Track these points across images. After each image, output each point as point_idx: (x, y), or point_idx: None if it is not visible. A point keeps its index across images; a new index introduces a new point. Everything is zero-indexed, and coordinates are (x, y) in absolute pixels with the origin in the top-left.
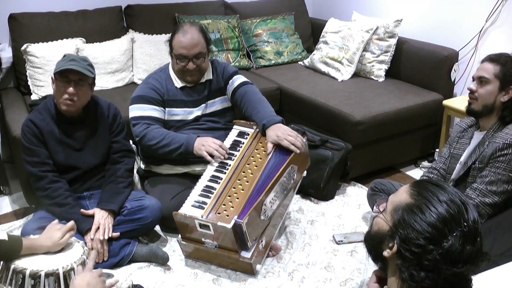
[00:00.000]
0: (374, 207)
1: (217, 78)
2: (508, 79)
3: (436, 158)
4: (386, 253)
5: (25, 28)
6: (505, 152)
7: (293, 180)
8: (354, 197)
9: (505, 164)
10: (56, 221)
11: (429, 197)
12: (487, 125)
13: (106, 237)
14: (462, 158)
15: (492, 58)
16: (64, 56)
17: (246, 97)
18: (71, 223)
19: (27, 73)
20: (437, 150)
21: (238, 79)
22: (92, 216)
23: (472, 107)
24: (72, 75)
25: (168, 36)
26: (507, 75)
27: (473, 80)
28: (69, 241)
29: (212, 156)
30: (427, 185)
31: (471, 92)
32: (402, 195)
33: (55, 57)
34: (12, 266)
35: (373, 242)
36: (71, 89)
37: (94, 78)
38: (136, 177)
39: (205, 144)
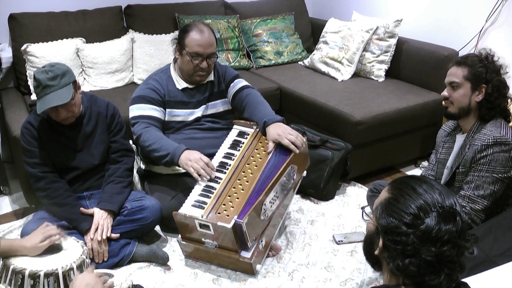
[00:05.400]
0: (364, 215)
1: (218, 80)
2: (478, 79)
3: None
4: (376, 251)
5: (25, 28)
6: (485, 153)
7: (293, 180)
8: (354, 197)
9: (487, 165)
10: (45, 223)
11: (404, 188)
12: (467, 126)
13: (105, 237)
14: (448, 163)
15: (459, 61)
16: (35, 79)
17: (247, 99)
18: (55, 230)
19: (27, 73)
20: None
21: (240, 82)
22: (92, 216)
23: (449, 110)
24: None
25: (168, 35)
26: (477, 75)
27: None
28: (68, 241)
29: (199, 173)
30: (403, 179)
31: (446, 98)
32: (382, 194)
33: (55, 57)
34: (12, 266)
35: (367, 247)
36: (63, 113)
37: (74, 82)
38: (136, 177)
39: (192, 159)
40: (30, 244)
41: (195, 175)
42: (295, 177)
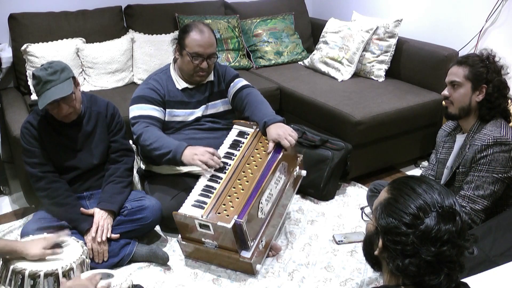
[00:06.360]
0: (363, 215)
1: (218, 80)
2: (478, 78)
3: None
4: (376, 251)
5: (25, 28)
6: (485, 153)
7: (285, 175)
8: (354, 197)
9: (487, 165)
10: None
11: (403, 188)
12: (467, 126)
13: (105, 238)
14: (448, 163)
15: (460, 61)
16: (34, 77)
17: (247, 99)
18: (56, 237)
19: (27, 73)
20: None
21: (240, 82)
22: (92, 216)
23: (449, 111)
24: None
25: (168, 35)
26: (477, 75)
27: (446, 86)
28: (68, 241)
29: (206, 165)
30: (402, 179)
31: (446, 97)
32: (382, 195)
33: (55, 57)
34: (12, 267)
35: (367, 247)
36: (65, 108)
37: (74, 77)
38: (136, 177)
39: (198, 153)
40: (34, 251)
41: (204, 167)
42: (286, 173)
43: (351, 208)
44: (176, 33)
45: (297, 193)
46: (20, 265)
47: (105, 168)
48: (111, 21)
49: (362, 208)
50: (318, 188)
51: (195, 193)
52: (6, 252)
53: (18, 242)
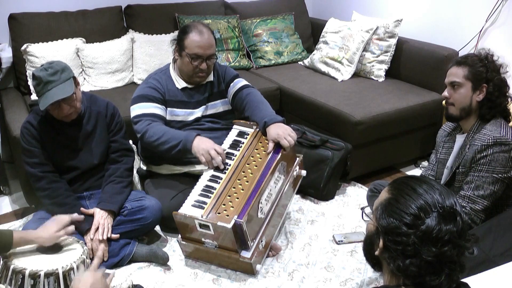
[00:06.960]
0: (364, 215)
1: (218, 81)
2: (478, 78)
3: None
4: (377, 252)
5: (25, 28)
6: (485, 153)
7: (284, 175)
8: (354, 197)
9: (487, 166)
10: (55, 217)
11: (404, 188)
12: (467, 126)
13: (105, 237)
14: (448, 163)
15: (459, 61)
16: (35, 77)
17: (247, 99)
18: (68, 217)
19: (27, 73)
20: None
21: (240, 82)
22: (92, 216)
23: (450, 112)
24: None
25: (168, 35)
26: (477, 74)
27: (446, 87)
28: (68, 241)
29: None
30: (403, 179)
31: (446, 99)
32: (382, 195)
33: (55, 57)
34: (12, 266)
35: (367, 248)
36: (66, 108)
37: (74, 77)
38: (136, 177)
39: (205, 148)
40: (47, 234)
41: (207, 165)
42: (285, 173)
43: (351, 208)
44: (176, 33)
45: (297, 193)
46: (20, 264)
47: (105, 168)
48: (111, 21)
49: (362, 208)
50: (318, 188)
51: (195, 193)
52: (23, 243)
53: (30, 231)
